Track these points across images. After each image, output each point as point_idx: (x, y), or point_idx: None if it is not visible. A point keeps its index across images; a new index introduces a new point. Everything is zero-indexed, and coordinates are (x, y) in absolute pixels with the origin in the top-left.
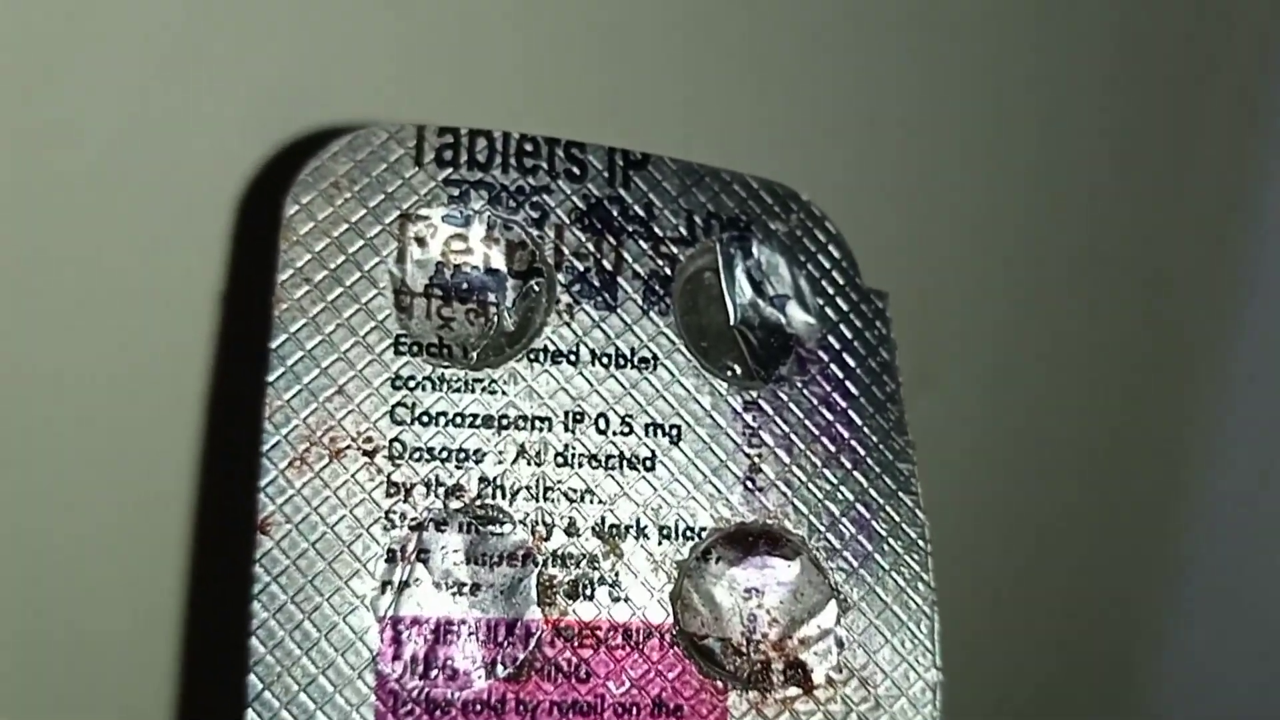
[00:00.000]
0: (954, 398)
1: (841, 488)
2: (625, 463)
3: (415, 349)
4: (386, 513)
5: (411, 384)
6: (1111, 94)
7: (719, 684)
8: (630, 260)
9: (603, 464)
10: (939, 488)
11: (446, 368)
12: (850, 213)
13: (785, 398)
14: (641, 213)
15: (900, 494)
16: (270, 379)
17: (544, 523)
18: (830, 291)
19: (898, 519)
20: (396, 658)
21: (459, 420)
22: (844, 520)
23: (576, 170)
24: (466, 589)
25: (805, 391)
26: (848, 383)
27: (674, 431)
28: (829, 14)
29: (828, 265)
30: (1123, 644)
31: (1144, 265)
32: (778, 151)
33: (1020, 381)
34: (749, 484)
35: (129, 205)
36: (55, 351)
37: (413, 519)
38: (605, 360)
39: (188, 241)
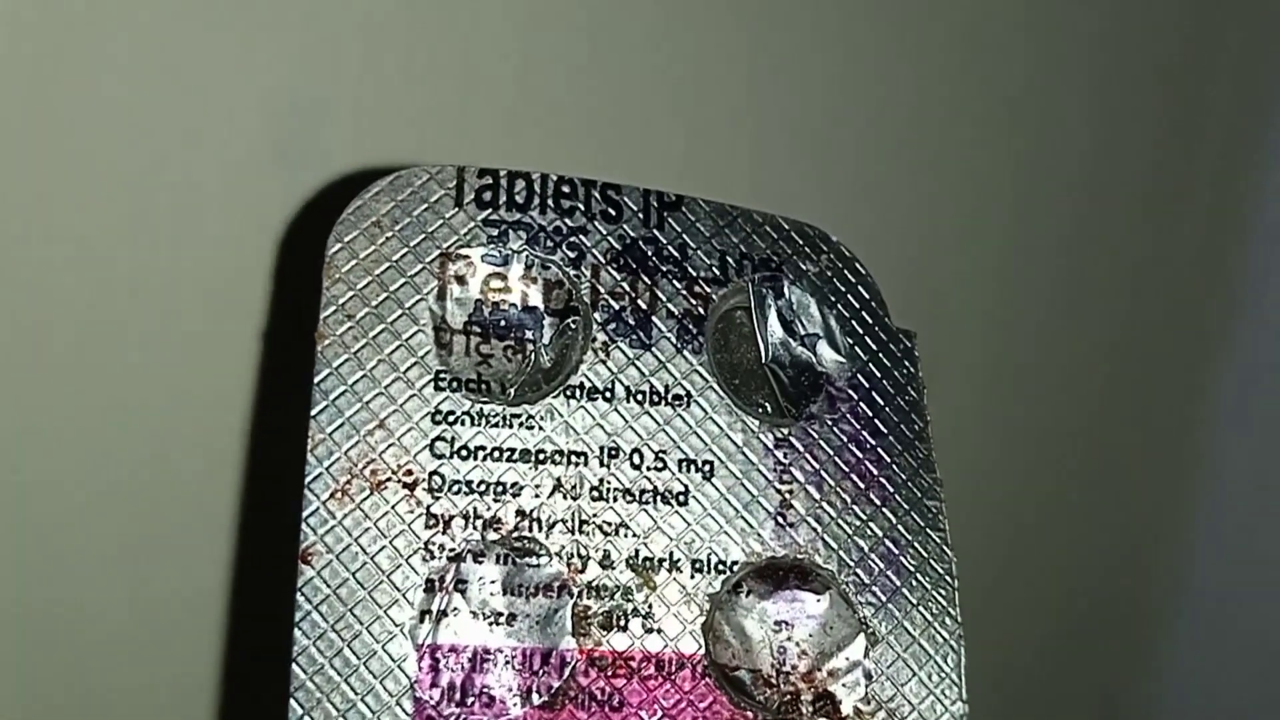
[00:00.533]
0: (955, 406)
1: (871, 524)
2: (659, 497)
3: (455, 385)
4: (425, 544)
5: (451, 419)
6: (1115, 101)
7: (749, 714)
8: (664, 299)
9: (637, 498)
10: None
11: (485, 403)
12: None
13: (816, 435)
14: (676, 253)
15: (928, 530)
16: (314, 413)
17: (579, 555)
18: (860, 331)
19: (925, 554)
20: (434, 685)
21: (497, 455)
22: (873, 555)
23: (612, 211)
24: (503, 619)
25: (835, 429)
26: (877, 420)
27: (707, 467)
28: (857, 57)
29: (857, 305)
30: (1119, 660)
31: (1149, 271)
32: (808, 194)
33: (1022, 389)
34: (780, 519)
35: (176, 245)
36: (105, 388)
37: (451, 550)
38: (640, 397)
39: (232, 280)
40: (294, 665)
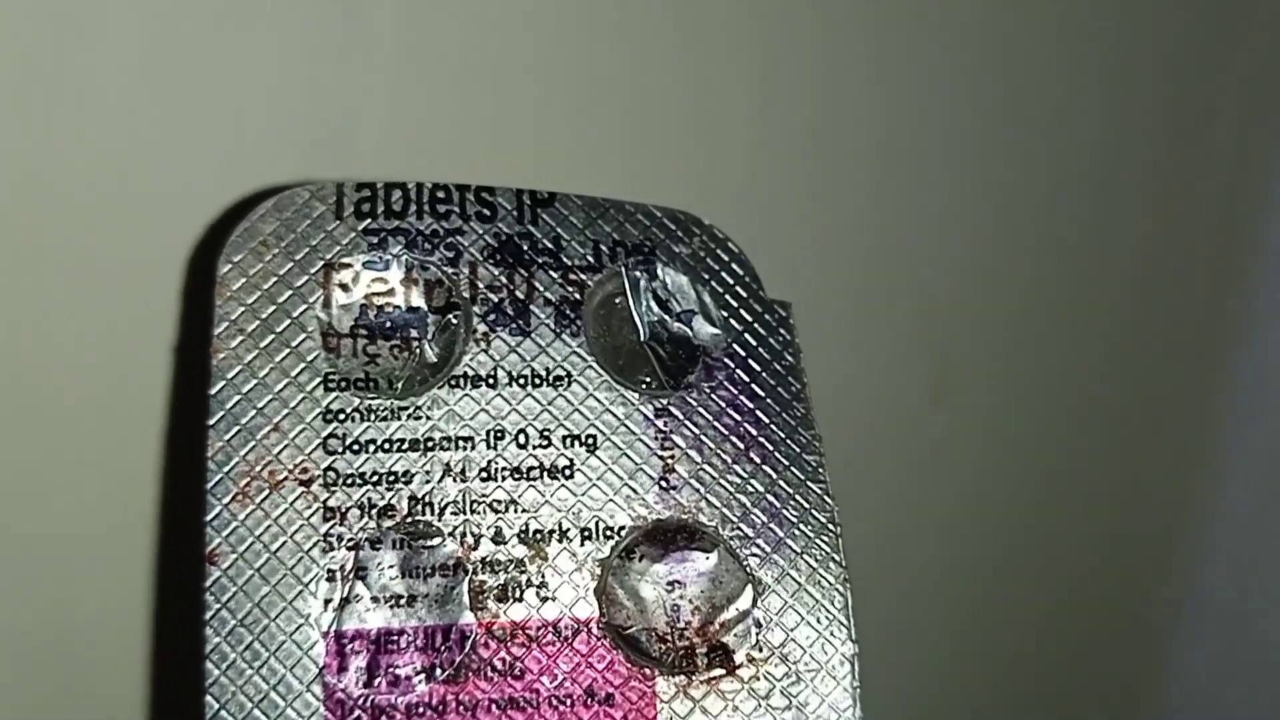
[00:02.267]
0: (967, 414)
1: (752, 481)
2: (545, 473)
3: (344, 384)
4: (324, 536)
5: (341, 416)
6: (1119, 101)
7: (647, 671)
8: (541, 289)
9: (524, 475)
10: (951, 500)
11: (373, 399)
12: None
13: (695, 403)
14: (550, 245)
15: (809, 483)
16: (210, 422)
17: (472, 534)
18: (734, 304)
19: (807, 506)
20: (342, 669)
21: (387, 446)
22: (755, 510)
23: (487, 212)
24: (403, 601)
25: (714, 396)
26: (754, 385)
27: (590, 441)
28: (747, 49)
29: (731, 281)
30: (1129, 659)
31: (1161, 269)
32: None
33: (1034, 388)
34: (664, 484)
35: (96, 270)
36: (27, 401)
37: (349, 540)
38: (522, 381)
39: (146, 301)
40: (206, 662)
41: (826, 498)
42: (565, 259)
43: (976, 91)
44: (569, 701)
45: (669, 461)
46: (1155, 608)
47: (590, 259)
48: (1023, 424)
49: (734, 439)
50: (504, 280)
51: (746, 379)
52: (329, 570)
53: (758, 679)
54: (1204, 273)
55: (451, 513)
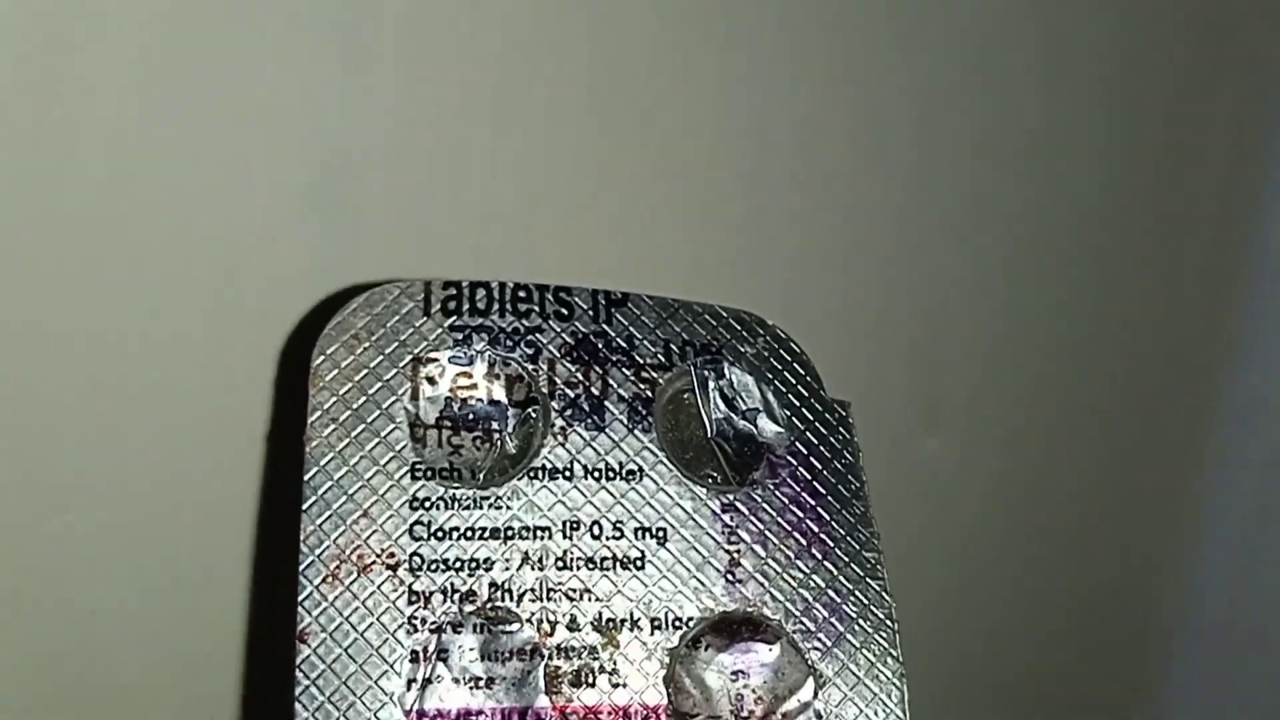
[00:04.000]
0: (963, 441)
1: (814, 576)
2: (618, 563)
3: (429, 474)
4: (409, 618)
5: (427, 504)
6: (1113, 120)
7: None
8: (615, 386)
9: (598, 566)
10: (946, 527)
11: (457, 488)
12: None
13: (759, 499)
14: (624, 344)
15: (868, 579)
16: (305, 507)
17: (548, 620)
18: (796, 403)
19: (866, 601)
20: None
21: (470, 534)
22: (817, 605)
23: (565, 311)
24: (482, 682)
25: (777, 492)
26: (815, 483)
27: (660, 534)
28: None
29: (793, 380)
30: (1128, 671)
31: (1147, 291)
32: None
33: (1028, 398)
34: (730, 577)
35: (193, 361)
36: (130, 492)
37: (432, 623)
38: (596, 474)
39: (241, 390)
40: None
41: (885, 594)
42: (638, 357)
43: (971, 105)
44: None
45: (735, 555)
46: (1151, 613)
47: (661, 358)
48: (1018, 444)
49: (797, 535)
50: (580, 377)
51: (808, 476)
52: (413, 651)
53: None
54: (1199, 286)
55: (529, 599)
